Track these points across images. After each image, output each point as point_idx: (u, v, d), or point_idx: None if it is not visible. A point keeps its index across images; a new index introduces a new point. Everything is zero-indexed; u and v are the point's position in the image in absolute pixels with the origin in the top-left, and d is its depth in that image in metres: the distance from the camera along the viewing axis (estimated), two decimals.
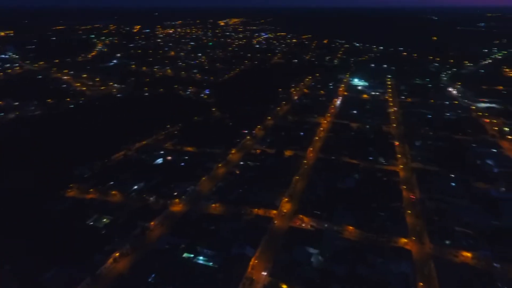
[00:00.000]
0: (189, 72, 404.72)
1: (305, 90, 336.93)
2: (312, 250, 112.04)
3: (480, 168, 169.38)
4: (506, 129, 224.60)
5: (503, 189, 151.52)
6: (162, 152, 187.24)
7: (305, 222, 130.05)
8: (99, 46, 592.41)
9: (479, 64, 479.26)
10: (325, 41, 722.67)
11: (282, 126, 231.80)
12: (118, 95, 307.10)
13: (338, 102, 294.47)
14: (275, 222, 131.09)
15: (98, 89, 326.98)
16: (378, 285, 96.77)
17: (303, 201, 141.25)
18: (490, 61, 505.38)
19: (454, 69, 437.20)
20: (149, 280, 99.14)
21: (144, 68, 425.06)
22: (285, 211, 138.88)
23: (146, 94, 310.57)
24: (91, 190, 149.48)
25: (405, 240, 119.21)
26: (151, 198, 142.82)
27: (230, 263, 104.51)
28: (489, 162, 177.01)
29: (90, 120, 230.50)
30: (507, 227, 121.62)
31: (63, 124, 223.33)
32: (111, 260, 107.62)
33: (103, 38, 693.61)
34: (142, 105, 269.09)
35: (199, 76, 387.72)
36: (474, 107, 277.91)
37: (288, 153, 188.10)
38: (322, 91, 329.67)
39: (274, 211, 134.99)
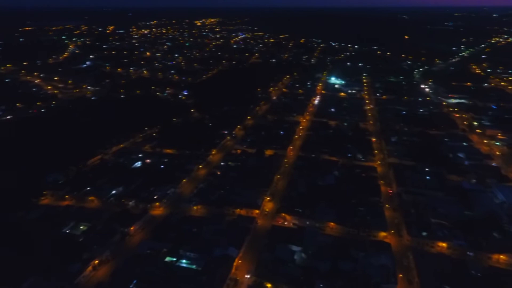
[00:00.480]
0: (166, 73, 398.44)
1: (284, 89, 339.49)
2: (295, 248, 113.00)
3: (452, 161, 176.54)
4: (475, 123, 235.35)
5: (474, 180, 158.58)
6: (140, 155, 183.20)
7: (287, 220, 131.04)
8: (71, 48, 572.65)
9: (448, 61, 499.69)
10: (301, 41, 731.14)
11: (262, 126, 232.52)
12: (93, 98, 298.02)
13: (316, 100, 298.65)
14: (258, 221, 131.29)
15: (71, 92, 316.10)
16: (360, 279, 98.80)
17: (285, 200, 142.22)
18: (458, 58, 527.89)
19: (426, 67, 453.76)
20: (131, 286, 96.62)
21: (119, 69, 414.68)
22: (267, 210, 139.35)
23: (122, 96, 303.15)
24: (67, 196, 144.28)
25: (385, 234, 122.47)
26: (131, 203, 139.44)
27: (213, 265, 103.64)
28: (461, 155, 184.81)
29: (63, 124, 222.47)
30: (479, 217, 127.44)
31: (34, 129, 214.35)
32: (90, 268, 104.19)
33: (75, 39, 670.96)
34: (118, 107, 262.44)
35: (177, 77, 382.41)
36: (445, 103, 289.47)
37: (268, 152, 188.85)
38: (300, 90, 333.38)
39: (257, 211, 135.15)
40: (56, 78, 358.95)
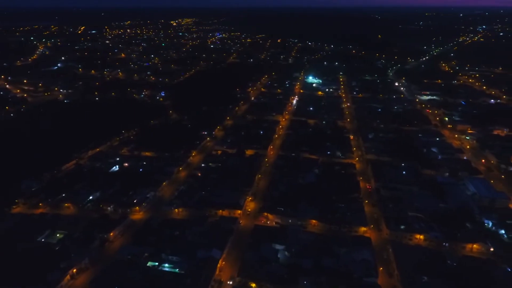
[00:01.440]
0: (142, 74, 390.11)
1: (262, 89, 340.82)
2: (278, 247, 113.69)
3: (426, 156, 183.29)
4: (446, 119, 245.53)
5: (447, 174, 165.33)
6: (118, 158, 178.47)
7: (270, 220, 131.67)
8: (40, 49, 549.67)
9: (420, 60, 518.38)
10: (278, 40, 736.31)
11: (242, 126, 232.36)
12: (65, 101, 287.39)
13: (294, 100, 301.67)
14: (241, 222, 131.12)
15: (41, 95, 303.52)
16: (342, 274, 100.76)
17: (267, 199, 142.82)
18: (429, 57, 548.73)
19: (399, 65, 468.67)
20: None
21: (92, 71, 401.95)
22: (249, 210, 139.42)
23: (97, 99, 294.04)
24: (41, 204, 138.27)
25: (365, 229, 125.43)
26: (109, 208, 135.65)
27: (197, 268, 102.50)
28: (434, 150, 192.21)
29: (35, 129, 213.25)
30: (452, 209, 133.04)
31: (3, 135, 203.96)
32: (68, 277, 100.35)
33: (44, 40, 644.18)
34: (93, 110, 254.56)
35: (153, 78, 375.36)
36: (418, 100, 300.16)
37: (249, 152, 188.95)
38: (279, 90, 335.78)
39: (239, 211, 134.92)
40: (25, 81, 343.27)
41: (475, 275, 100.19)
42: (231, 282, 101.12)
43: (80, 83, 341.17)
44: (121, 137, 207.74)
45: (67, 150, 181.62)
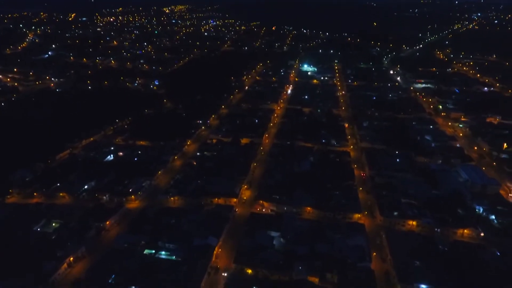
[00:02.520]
0: (135, 63, 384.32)
1: (257, 77, 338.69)
2: (274, 234, 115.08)
3: (420, 144, 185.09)
4: (440, 106, 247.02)
5: (440, 161, 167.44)
6: (112, 148, 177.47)
7: (266, 207, 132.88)
8: (30, 37, 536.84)
9: (415, 47, 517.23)
10: (273, 28, 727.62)
11: (237, 114, 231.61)
12: (58, 90, 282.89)
13: (289, 88, 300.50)
14: (236, 210, 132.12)
15: (32, 84, 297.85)
16: (337, 259, 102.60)
17: (262, 187, 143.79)
18: (424, 44, 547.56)
19: (394, 53, 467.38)
20: (109, 281, 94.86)
21: (84, 59, 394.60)
22: (245, 198, 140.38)
23: (90, 87, 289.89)
24: (35, 194, 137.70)
25: (359, 215, 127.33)
26: (104, 197, 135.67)
27: (193, 255, 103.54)
28: (428, 137, 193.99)
29: (27, 118, 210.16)
30: (445, 196, 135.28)
31: None
32: (65, 265, 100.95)
33: (34, 27, 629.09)
34: (86, 99, 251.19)
35: (147, 67, 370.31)
36: (412, 88, 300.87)
37: (244, 140, 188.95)
38: (274, 78, 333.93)
39: (235, 199, 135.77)
40: (15, 69, 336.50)
41: (466, 259, 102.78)
42: (227, 268, 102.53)
43: (72, 71, 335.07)
44: (115, 126, 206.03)
45: (60, 139, 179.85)
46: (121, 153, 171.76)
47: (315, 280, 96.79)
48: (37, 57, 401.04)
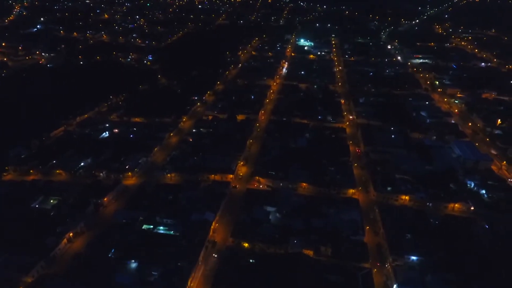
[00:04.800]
0: (128, 37, 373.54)
1: (253, 52, 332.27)
2: (270, 209, 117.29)
3: (415, 120, 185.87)
4: (437, 82, 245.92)
5: (434, 137, 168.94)
6: (107, 125, 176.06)
7: (262, 183, 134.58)
8: (17, 9, 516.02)
9: (413, 21, 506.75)
10: (269, 0, 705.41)
11: (233, 91, 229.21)
12: (49, 66, 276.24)
13: (286, 63, 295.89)
14: (233, 185, 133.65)
15: (22, 59, 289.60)
16: (331, 233, 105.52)
17: (259, 163, 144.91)
18: (423, 18, 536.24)
19: (392, 27, 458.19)
20: (110, 255, 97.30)
21: (75, 33, 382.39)
22: (241, 174, 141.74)
23: (82, 63, 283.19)
24: (32, 171, 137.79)
25: (353, 191, 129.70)
26: (102, 174, 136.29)
27: (191, 230, 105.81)
28: (423, 113, 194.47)
29: (19, 95, 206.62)
30: (438, 171, 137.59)
31: None
32: (65, 241, 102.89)
33: None
34: (79, 75, 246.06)
35: (140, 41, 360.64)
36: (410, 63, 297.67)
37: (240, 117, 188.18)
38: (270, 53, 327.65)
39: (231, 176, 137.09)
40: (3, 44, 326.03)
41: (455, 232, 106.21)
42: (225, 241, 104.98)
43: (63, 46, 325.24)
44: (109, 103, 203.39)
45: (54, 116, 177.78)
46: (116, 130, 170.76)
47: (310, 253, 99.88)
48: (26, 31, 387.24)
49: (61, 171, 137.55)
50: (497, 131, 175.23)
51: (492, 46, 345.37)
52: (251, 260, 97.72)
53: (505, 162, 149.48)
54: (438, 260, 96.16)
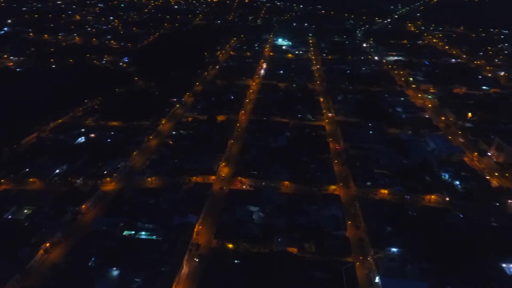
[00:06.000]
0: (102, 39, 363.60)
1: (232, 52, 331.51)
2: (253, 208, 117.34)
3: (391, 116, 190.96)
4: (411, 79, 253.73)
5: (410, 132, 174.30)
6: (83, 129, 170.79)
7: (244, 183, 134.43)
8: None
9: (387, 20, 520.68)
10: (246, 0, 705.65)
11: (212, 91, 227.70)
12: (18, 70, 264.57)
13: (264, 63, 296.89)
14: (215, 187, 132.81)
15: None
16: (314, 230, 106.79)
17: (240, 163, 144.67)
18: (396, 17, 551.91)
19: (367, 26, 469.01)
20: (89, 264, 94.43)
21: (45, 36, 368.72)
22: (223, 175, 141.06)
23: (53, 66, 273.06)
24: (3, 180, 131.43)
25: (334, 187, 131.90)
26: (78, 181, 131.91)
27: (174, 233, 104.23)
28: (399, 109, 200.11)
29: None
30: (414, 164, 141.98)
31: None
32: (41, 252, 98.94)
33: None
34: (51, 79, 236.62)
35: (115, 43, 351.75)
36: (384, 61, 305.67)
37: (220, 118, 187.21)
38: (248, 53, 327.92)
39: (213, 177, 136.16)
40: None
41: (433, 223, 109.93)
42: (209, 243, 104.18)
43: (33, 49, 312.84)
44: (84, 107, 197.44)
45: (25, 123, 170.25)
46: (92, 135, 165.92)
47: (294, 250, 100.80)
48: None
49: (34, 179, 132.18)
50: (468, 124, 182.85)
51: (461, 43, 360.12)
52: (236, 261, 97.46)
53: (476, 153, 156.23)
54: (417, 250, 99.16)
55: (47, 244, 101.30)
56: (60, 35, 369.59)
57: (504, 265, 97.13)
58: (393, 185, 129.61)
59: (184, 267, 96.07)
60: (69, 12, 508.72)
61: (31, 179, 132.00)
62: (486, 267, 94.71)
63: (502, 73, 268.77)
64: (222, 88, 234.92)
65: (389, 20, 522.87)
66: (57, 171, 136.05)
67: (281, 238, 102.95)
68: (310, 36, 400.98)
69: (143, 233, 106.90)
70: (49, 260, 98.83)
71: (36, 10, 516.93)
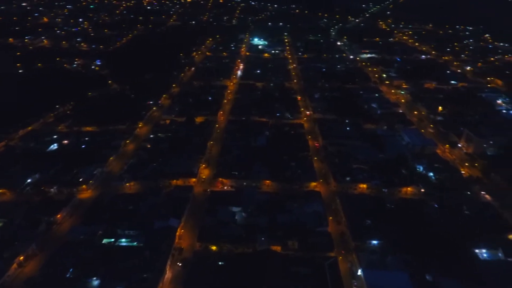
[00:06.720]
0: (72, 41, 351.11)
1: (208, 53, 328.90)
2: (235, 209, 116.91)
3: (367, 112, 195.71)
4: (384, 75, 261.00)
5: (385, 127, 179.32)
6: (55, 136, 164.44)
7: (225, 184, 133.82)
8: None
9: (359, 18, 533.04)
10: (221, 0, 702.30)
11: (189, 93, 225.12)
12: None
13: (241, 63, 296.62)
14: (196, 189, 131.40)
15: None
16: (297, 227, 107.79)
17: (220, 165, 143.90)
18: (368, 15, 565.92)
19: (340, 24, 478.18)
20: (68, 276, 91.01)
21: (10, 39, 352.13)
22: (204, 177, 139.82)
23: (21, 71, 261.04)
24: None
25: (315, 184, 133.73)
26: (52, 189, 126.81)
27: (155, 239, 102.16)
28: (374, 105, 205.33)
29: None
30: (390, 158, 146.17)
31: None
32: (14, 266, 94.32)
33: None
34: (18, 85, 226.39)
35: (85, 46, 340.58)
36: (359, 58, 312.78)
37: (199, 119, 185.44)
38: (224, 53, 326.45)
39: (193, 179, 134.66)
40: None
41: (410, 214, 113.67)
42: (192, 247, 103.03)
43: None
44: (55, 112, 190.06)
45: None
46: (66, 141, 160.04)
47: (278, 248, 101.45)
48: None
49: (4, 190, 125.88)
50: (439, 118, 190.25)
51: (430, 40, 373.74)
52: (220, 262, 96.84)
53: (447, 145, 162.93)
54: (397, 242, 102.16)
55: (21, 258, 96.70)
56: (26, 39, 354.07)
57: (476, 250, 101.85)
58: (371, 179, 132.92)
59: (168, 272, 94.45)
60: (36, 15, 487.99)
61: (0, 190, 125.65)
62: (460, 254, 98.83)
63: (469, 68, 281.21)
64: (200, 89, 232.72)
65: (361, 18, 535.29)
66: (29, 180, 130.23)
67: (264, 237, 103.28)
68: (286, 35, 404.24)
69: (123, 240, 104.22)
70: (24, 274, 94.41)
71: (0, 13, 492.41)
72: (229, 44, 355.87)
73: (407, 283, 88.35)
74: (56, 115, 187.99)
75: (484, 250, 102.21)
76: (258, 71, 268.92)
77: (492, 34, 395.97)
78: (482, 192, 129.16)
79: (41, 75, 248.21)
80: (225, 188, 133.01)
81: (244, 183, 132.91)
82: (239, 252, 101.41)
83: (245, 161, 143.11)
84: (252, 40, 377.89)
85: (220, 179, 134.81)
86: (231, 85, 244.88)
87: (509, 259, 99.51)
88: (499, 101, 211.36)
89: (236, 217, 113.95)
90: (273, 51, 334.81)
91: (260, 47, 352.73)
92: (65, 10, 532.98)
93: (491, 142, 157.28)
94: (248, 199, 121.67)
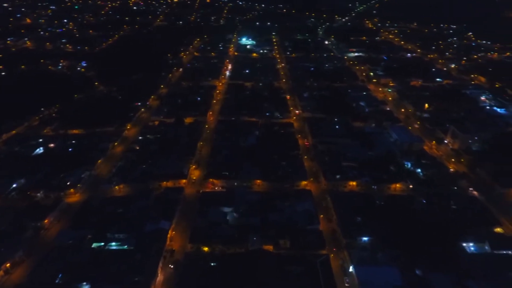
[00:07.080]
0: (56, 43, 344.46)
1: (196, 53, 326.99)
2: (226, 209, 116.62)
3: (355, 110, 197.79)
4: (371, 74, 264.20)
5: (374, 124, 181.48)
6: (40, 140, 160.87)
7: (216, 185, 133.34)
8: None
9: (346, 18, 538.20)
10: (208, 0, 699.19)
11: (178, 93, 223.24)
12: None
13: (230, 63, 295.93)
14: (187, 190, 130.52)
15: None
16: (288, 226, 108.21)
17: (211, 165, 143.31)
18: (354, 14, 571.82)
19: (327, 23, 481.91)
20: (57, 281, 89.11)
21: None
22: (194, 178, 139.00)
23: (3, 73, 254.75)
24: None
25: (305, 182, 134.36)
26: (39, 194, 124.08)
27: (146, 241, 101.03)
28: (362, 103, 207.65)
29: None
30: (379, 156, 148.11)
31: None
32: (1, 273, 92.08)
33: None
34: (1, 87, 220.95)
35: (70, 47, 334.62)
36: (346, 57, 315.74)
37: (188, 120, 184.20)
38: (213, 53, 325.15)
39: (184, 180, 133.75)
40: None
41: (399, 210, 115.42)
42: (183, 248, 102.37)
43: None
44: (40, 115, 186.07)
45: None
46: (52, 145, 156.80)
47: (270, 248, 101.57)
48: None
49: None
50: (425, 115, 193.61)
51: (415, 38, 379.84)
52: (212, 263, 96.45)
53: (434, 142, 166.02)
54: (387, 238, 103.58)
55: (7, 265, 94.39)
56: (9, 40, 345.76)
57: (464, 244, 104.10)
58: (360, 177, 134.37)
59: (159, 275, 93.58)
60: (18, 16, 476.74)
61: None
62: (448, 248, 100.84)
63: (453, 66, 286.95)
64: (188, 89, 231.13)
65: (348, 18, 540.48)
66: (14, 185, 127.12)
67: (256, 237, 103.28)
68: (274, 35, 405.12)
69: (113, 243, 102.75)
70: (11, 281, 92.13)
71: None
72: (217, 44, 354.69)
73: (398, 278, 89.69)
74: (41, 118, 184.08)
75: (471, 244, 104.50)
76: (247, 71, 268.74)
77: (475, 32, 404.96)
78: (470, 189, 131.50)
79: (24, 77, 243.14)
80: (216, 188, 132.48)
81: (235, 183, 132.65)
82: (231, 252, 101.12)
83: (236, 161, 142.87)
84: (240, 40, 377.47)
85: (211, 179, 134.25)
86: (220, 85, 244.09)
87: (495, 252, 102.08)
88: (482, 98, 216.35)
89: (228, 218, 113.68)
90: (261, 51, 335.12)
91: (248, 47, 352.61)
92: (49, 11, 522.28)
93: (475, 137, 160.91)
94: (239, 199, 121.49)
